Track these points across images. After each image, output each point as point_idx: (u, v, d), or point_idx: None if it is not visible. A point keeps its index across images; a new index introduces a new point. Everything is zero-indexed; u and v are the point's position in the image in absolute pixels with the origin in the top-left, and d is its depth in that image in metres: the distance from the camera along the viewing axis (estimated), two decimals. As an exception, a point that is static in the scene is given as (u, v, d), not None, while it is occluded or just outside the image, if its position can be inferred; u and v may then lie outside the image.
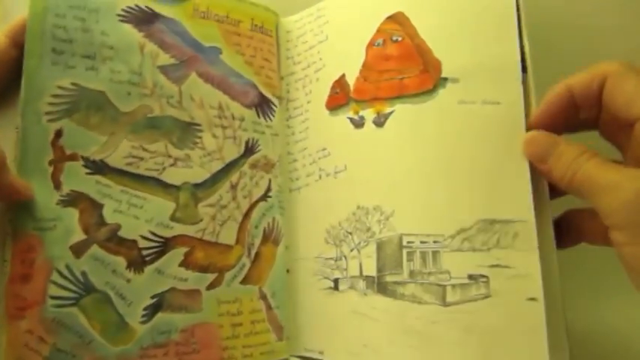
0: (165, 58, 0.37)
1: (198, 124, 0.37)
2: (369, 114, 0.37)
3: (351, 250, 0.37)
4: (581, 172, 0.28)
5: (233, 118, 0.39)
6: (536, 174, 0.32)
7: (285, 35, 0.44)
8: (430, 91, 0.35)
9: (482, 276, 0.32)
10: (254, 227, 0.39)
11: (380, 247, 0.35)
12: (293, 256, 0.41)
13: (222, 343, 0.36)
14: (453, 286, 0.32)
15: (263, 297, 0.38)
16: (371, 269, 0.35)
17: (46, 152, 0.32)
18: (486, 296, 0.31)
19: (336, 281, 0.38)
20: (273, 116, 0.41)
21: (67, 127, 0.33)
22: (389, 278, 0.34)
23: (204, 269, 0.36)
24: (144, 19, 0.37)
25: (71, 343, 0.31)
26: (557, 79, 0.32)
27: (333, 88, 0.40)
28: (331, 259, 0.38)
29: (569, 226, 0.32)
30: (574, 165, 0.28)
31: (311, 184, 0.41)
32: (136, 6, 0.36)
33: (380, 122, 0.37)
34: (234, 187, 0.38)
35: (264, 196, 0.40)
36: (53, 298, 0.31)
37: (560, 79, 0.32)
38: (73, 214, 0.33)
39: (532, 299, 0.30)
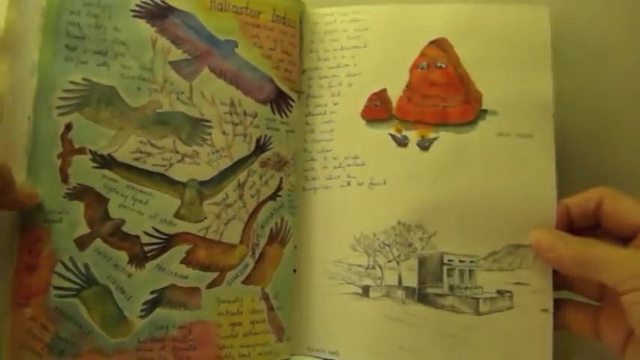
0: (177, 54, 0.37)
1: (208, 121, 0.37)
2: (413, 135, 0.39)
3: (389, 261, 0.39)
4: (593, 252, 0.33)
5: (245, 114, 0.38)
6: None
7: (311, 27, 0.43)
8: (471, 122, 0.39)
9: (508, 291, 0.37)
10: (260, 227, 0.38)
11: (422, 262, 0.38)
12: (303, 256, 0.40)
13: (219, 342, 0.36)
14: (485, 299, 0.38)
15: (265, 298, 0.38)
16: (412, 281, 0.38)
17: (56, 145, 0.33)
18: (510, 308, 0.37)
19: (366, 288, 0.39)
20: (290, 112, 0.40)
21: (76, 121, 0.34)
22: (430, 290, 0.38)
23: (205, 268, 0.36)
24: (158, 13, 0.36)
25: (71, 332, 0.33)
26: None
27: (371, 99, 0.40)
28: (360, 266, 0.39)
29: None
30: (584, 248, 0.33)
31: (334, 188, 0.40)
32: (151, 0, 0.36)
33: (424, 146, 0.39)
34: (241, 185, 0.38)
35: (274, 196, 0.39)
36: (56, 288, 0.33)
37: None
38: (79, 207, 0.34)
39: (544, 310, 0.37)
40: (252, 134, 0.38)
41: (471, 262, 0.38)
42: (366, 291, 0.39)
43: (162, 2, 0.37)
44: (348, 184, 0.40)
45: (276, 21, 0.40)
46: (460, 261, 0.38)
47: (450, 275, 0.38)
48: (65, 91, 0.34)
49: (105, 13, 0.35)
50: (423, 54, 0.40)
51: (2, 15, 0.33)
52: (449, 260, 0.38)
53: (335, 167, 0.41)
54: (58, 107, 0.33)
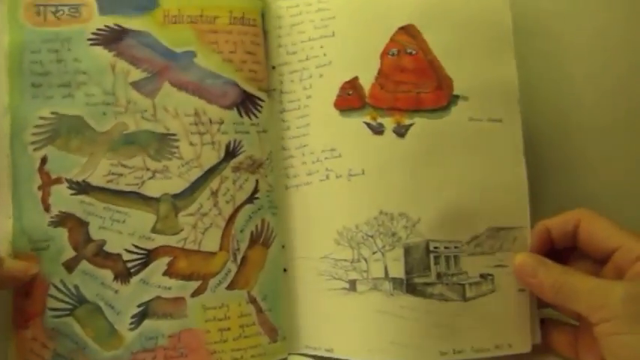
0: (136, 74, 0.38)
1: (174, 134, 0.38)
2: (388, 123, 0.38)
3: (374, 253, 0.38)
4: (569, 281, 0.33)
5: (211, 122, 0.38)
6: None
7: (276, 21, 0.42)
8: (444, 108, 0.38)
9: (489, 275, 0.38)
10: (239, 232, 0.38)
11: (407, 251, 0.37)
12: (291, 255, 0.40)
13: (209, 348, 0.37)
14: (470, 284, 0.37)
15: (252, 301, 0.38)
16: (398, 271, 0.37)
17: (34, 179, 0.36)
18: (492, 291, 0.37)
19: (352, 282, 0.38)
20: (259, 112, 0.40)
21: (50, 153, 0.36)
22: (417, 280, 0.37)
23: (187, 277, 0.37)
24: (113, 37, 0.37)
25: (68, 349, 0.35)
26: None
27: (343, 88, 0.39)
28: (345, 260, 0.38)
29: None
30: (562, 277, 0.34)
31: (314, 183, 0.40)
32: (105, 26, 0.37)
33: (401, 133, 0.38)
34: (214, 193, 0.38)
35: (251, 199, 0.39)
36: (51, 309, 0.35)
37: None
38: (62, 233, 0.36)
39: (521, 290, 0.37)
40: (221, 141, 0.38)
41: (455, 247, 0.37)
42: (353, 285, 0.38)
43: (117, 26, 0.38)
44: (327, 177, 0.39)
45: (234, 23, 0.40)
46: (445, 247, 0.37)
47: (436, 263, 0.37)
48: (36, 127, 0.36)
49: (64, 47, 0.37)
50: (392, 40, 0.39)
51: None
52: (435, 247, 0.38)
53: (313, 162, 0.40)
54: (32, 143, 0.36)
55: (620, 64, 0.45)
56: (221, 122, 0.39)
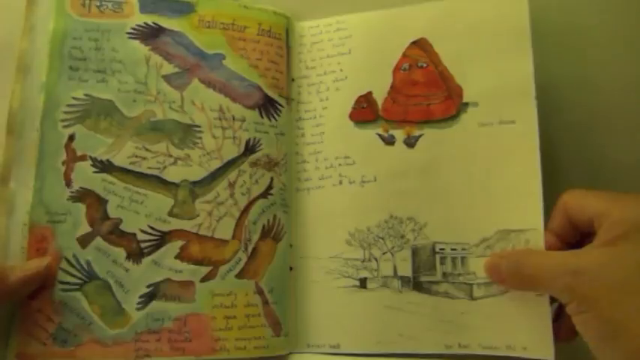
0: (169, 68, 0.40)
1: (198, 126, 0.40)
2: (399, 134, 0.41)
3: (384, 253, 0.40)
4: (528, 262, 0.33)
5: (234, 119, 0.41)
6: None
7: (299, 39, 0.45)
8: (454, 117, 0.40)
9: None
10: (252, 223, 0.40)
11: (415, 252, 0.39)
12: (299, 254, 0.41)
13: (214, 334, 0.37)
14: (479, 284, 0.38)
15: (260, 292, 0.39)
16: (406, 270, 0.39)
17: (60, 154, 0.37)
18: (505, 292, 0.37)
19: (363, 280, 0.40)
20: (279, 116, 0.42)
21: (79, 131, 0.38)
22: (424, 278, 0.39)
23: (198, 262, 0.38)
24: (150, 34, 0.40)
25: (74, 324, 0.35)
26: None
27: (358, 102, 0.42)
28: (356, 259, 0.40)
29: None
30: (520, 259, 0.34)
31: (326, 187, 0.42)
32: (144, 23, 0.40)
33: (411, 143, 0.41)
34: (232, 184, 0.40)
35: (265, 194, 0.40)
36: (61, 282, 0.35)
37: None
38: (80, 208, 0.37)
39: (540, 294, 0.36)
40: (242, 137, 0.41)
41: (463, 249, 0.39)
42: (363, 283, 0.40)
43: (155, 24, 0.41)
44: (340, 182, 0.42)
45: (262, 34, 0.43)
46: (452, 249, 0.39)
47: (442, 263, 0.39)
48: (68, 105, 0.38)
49: (104, 37, 0.39)
50: (404, 55, 0.42)
51: (16, 44, 0.38)
52: (440, 249, 0.39)
53: (327, 167, 0.42)
54: (62, 120, 0.37)
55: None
56: (243, 120, 0.41)
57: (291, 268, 0.41)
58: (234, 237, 0.39)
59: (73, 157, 0.37)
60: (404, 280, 0.39)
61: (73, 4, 0.39)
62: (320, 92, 0.44)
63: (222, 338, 0.37)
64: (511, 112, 0.39)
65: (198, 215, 0.38)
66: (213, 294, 0.38)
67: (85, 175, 0.37)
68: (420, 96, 0.41)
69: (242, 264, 0.39)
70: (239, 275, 0.38)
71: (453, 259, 0.39)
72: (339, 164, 0.42)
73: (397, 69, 0.42)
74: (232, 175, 0.40)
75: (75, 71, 0.38)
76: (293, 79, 0.45)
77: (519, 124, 0.38)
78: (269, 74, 0.43)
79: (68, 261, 0.36)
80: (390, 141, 0.41)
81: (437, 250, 0.39)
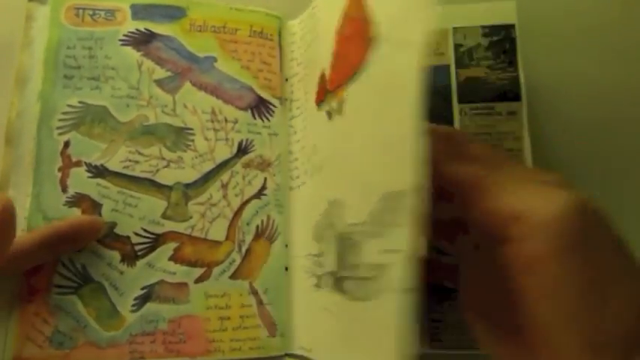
0: (161, 72, 0.41)
1: (191, 129, 0.40)
2: (336, 104, 0.36)
3: (328, 246, 0.36)
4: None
5: (226, 121, 0.41)
6: None
7: (291, 37, 0.45)
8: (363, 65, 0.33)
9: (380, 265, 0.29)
10: (245, 224, 0.40)
11: (339, 241, 0.33)
12: (291, 254, 0.41)
13: (208, 336, 0.37)
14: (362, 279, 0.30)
15: (254, 292, 0.38)
16: (332, 265, 0.34)
17: (56, 161, 0.38)
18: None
19: (319, 277, 0.37)
20: (272, 116, 0.42)
21: (73, 138, 0.38)
22: (343, 273, 0.32)
23: (192, 264, 0.38)
24: (142, 40, 0.41)
25: (69, 326, 0.36)
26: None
27: (318, 83, 0.40)
28: (316, 255, 0.37)
29: None
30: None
31: (307, 182, 0.41)
32: (136, 29, 0.41)
33: (340, 110, 0.35)
34: (225, 185, 0.40)
35: (258, 194, 0.40)
36: (57, 286, 0.36)
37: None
38: (76, 213, 0.37)
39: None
40: (234, 138, 0.41)
41: (361, 229, 0.31)
42: (319, 281, 0.36)
43: (147, 30, 0.41)
44: (312, 174, 0.39)
45: (254, 36, 0.43)
46: (358, 230, 0.31)
47: (351, 252, 0.32)
48: (63, 113, 0.39)
49: (97, 45, 0.40)
50: (345, 15, 0.36)
51: (16, 56, 0.39)
52: (348, 233, 0.32)
53: (306, 161, 0.40)
54: (58, 128, 0.38)
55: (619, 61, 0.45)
56: (235, 121, 0.41)
57: (286, 269, 0.40)
58: (227, 238, 0.39)
59: (68, 164, 0.38)
60: (332, 276, 0.34)
61: (67, 14, 0.40)
62: (305, 85, 0.42)
63: (217, 340, 0.37)
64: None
65: (191, 217, 0.39)
66: (208, 295, 0.38)
67: (80, 181, 0.38)
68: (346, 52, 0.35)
69: (236, 265, 0.39)
70: (233, 276, 0.38)
71: (354, 245, 0.31)
72: (311, 155, 0.39)
73: (336, 32, 0.37)
74: (225, 176, 0.40)
75: (69, 79, 0.39)
76: (287, 79, 0.44)
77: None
78: (261, 75, 0.43)
79: (64, 264, 0.36)
80: (330, 115, 0.36)
81: (344, 234, 0.32)
